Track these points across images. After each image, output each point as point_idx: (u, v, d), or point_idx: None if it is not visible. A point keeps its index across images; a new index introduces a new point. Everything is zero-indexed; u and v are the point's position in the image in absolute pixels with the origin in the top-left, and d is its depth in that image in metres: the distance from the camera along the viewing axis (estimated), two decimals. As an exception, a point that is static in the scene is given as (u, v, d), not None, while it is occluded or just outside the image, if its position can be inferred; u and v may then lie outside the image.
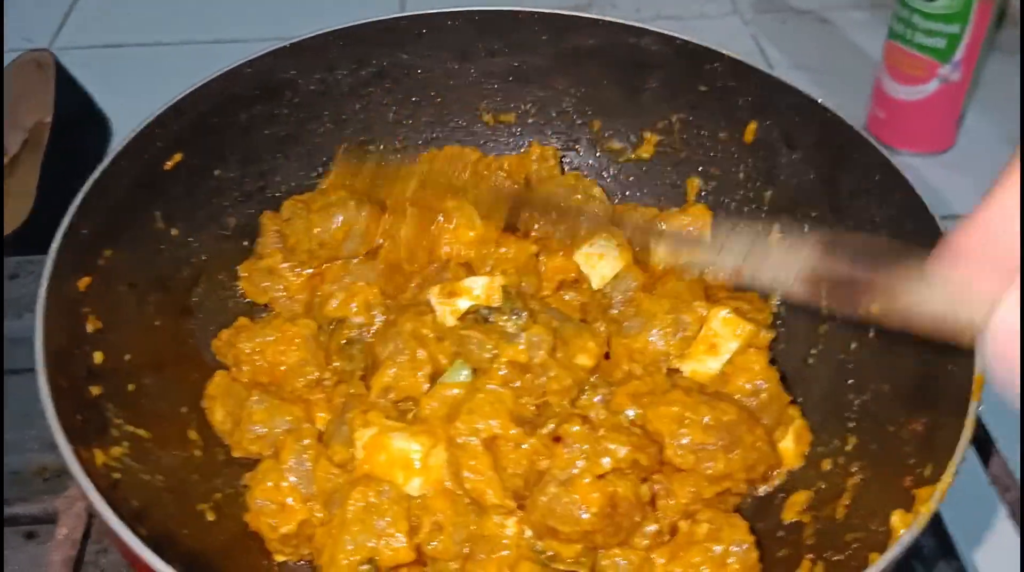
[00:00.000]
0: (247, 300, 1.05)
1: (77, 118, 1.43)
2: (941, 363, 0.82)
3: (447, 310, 0.95)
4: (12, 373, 1.05)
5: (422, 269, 1.01)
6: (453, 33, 1.11)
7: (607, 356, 0.96)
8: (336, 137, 1.12)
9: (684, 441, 0.85)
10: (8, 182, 1.38)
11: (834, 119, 0.98)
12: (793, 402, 0.96)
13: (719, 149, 1.09)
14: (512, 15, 1.10)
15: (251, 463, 0.91)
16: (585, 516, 0.79)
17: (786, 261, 0.72)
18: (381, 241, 1.02)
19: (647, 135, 1.13)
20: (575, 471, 0.81)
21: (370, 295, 0.98)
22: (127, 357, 0.90)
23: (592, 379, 0.91)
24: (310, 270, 1.02)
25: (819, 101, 0.99)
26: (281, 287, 1.02)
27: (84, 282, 0.87)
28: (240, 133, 1.04)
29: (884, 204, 0.93)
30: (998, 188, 0.58)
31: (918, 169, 0.92)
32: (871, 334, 0.94)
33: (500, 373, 0.87)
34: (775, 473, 0.93)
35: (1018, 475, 0.96)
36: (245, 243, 1.06)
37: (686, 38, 1.06)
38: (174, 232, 1.00)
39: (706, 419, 0.86)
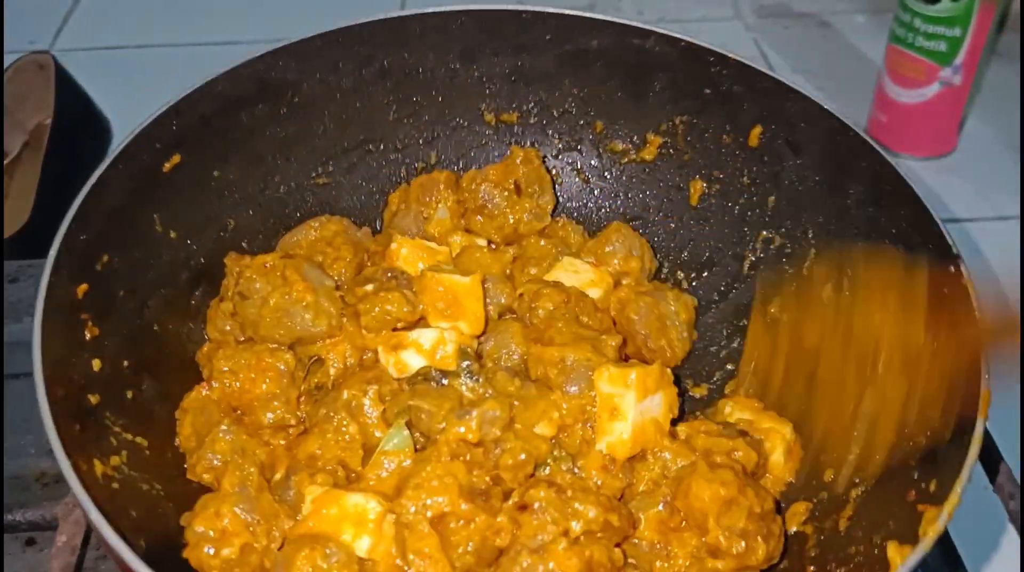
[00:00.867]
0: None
1: (77, 120, 1.42)
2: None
3: (391, 361, 0.92)
4: (11, 377, 1.05)
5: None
6: (457, 32, 1.10)
7: None
8: (338, 137, 1.11)
9: (735, 526, 0.82)
10: (8, 184, 1.37)
11: (840, 125, 0.97)
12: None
13: (723, 153, 1.08)
14: (517, 15, 1.09)
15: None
16: None
17: None
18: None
19: (650, 137, 1.12)
20: (546, 537, 0.77)
21: (345, 347, 0.95)
22: (126, 363, 0.89)
23: (554, 452, 0.87)
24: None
25: (825, 106, 0.98)
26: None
27: (82, 289, 0.86)
28: (240, 134, 1.03)
29: (889, 213, 0.93)
30: None
31: (919, 173, 0.91)
32: (875, 344, 0.93)
33: (449, 445, 0.83)
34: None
35: (1019, 477, 0.95)
36: (244, 245, 1.05)
37: (691, 40, 1.05)
38: (173, 235, 0.99)
39: (754, 507, 0.83)
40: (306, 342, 0.94)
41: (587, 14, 1.08)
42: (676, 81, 1.08)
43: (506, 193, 1.09)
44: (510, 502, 0.81)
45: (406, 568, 0.78)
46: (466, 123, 1.15)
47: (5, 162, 1.39)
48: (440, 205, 1.10)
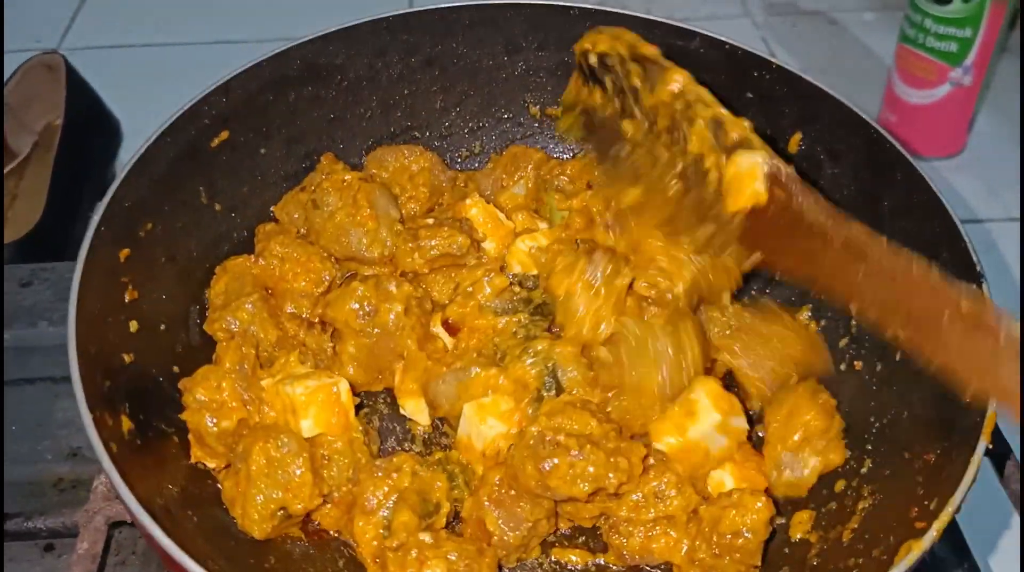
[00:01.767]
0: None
1: (87, 120, 1.41)
2: (959, 395, 0.80)
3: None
4: (27, 382, 1.05)
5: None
6: (504, 25, 1.11)
7: None
8: (383, 122, 1.14)
9: None
10: (18, 185, 1.37)
11: (877, 136, 0.96)
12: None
13: (763, 157, 1.08)
14: (564, 10, 1.10)
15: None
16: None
17: None
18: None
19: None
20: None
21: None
22: (162, 327, 0.94)
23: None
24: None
25: (863, 116, 0.97)
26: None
27: (124, 253, 0.90)
28: (287, 114, 1.07)
29: (921, 227, 0.92)
30: None
31: (928, 173, 0.90)
32: (897, 357, 0.92)
33: None
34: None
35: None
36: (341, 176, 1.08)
37: (735, 43, 1.05)
38: (217, 207, 1.03)
39: None
40: (355, 261, 1.01)
41: (634, 12, 1.08)
42: (719, 83, 1.07)
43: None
44: None
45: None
46: (510, 115, 1.17)
47: (14, 164, 1.37)
48: (521, 181, 1.13)
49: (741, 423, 0.90)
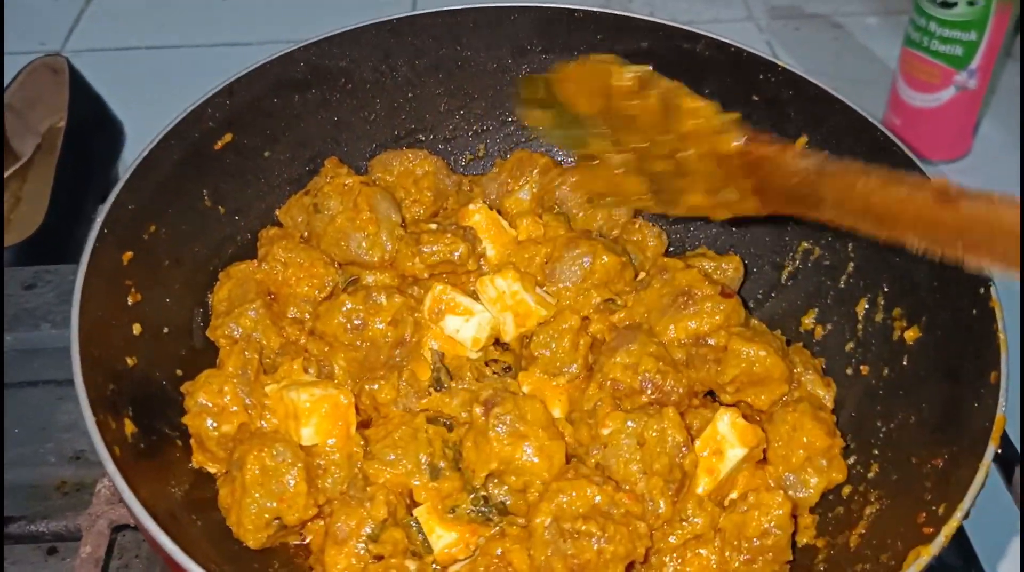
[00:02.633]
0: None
1: (90, 122, 1.41)
2: (967, 399, 0.80)
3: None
4: (30, 385, 1.05)
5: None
6: (509, 28, 1.11)
7: None
8: (388, 125, 1.13)
9: None
10: (21, 188, 1.37)
11: (883, 138, 0.95)
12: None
13: (768, 160, 1.07)
14: (569, 13, 1.10)
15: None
16: None
17: None
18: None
19: (696, 140, 1.12)
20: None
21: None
22: (166, 330, 0.93)
23: None
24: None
25: (869, 119, 0.97)
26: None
27: (127, 256, 0.90)
28: (292, 117, 1.06)
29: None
30: None
31: (933, 176, 0.90)
32: (904, 362, 0.92)
33: None
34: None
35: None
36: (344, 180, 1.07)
37: (740, 45, 1.05)
38: (221, 210, 1.02)
39: None
40: (356, 265, 1.01)
41: (638, 15, 1.08)
42: (725, 86, 1.07)
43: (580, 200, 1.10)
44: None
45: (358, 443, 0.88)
46: (515, 118, 1.17)
47: (17, 166, 1.37)
48: (526, 187, 1.12)
49: (761, 445, 0.90)
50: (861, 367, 0.98)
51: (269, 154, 1.06)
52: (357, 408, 0.90)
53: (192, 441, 0.88)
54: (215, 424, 0.87)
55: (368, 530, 0.83)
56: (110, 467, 0.72)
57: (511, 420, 0.84)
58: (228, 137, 1.01)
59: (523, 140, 1.18)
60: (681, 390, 0.92)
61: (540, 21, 1.11)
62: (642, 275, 1.04)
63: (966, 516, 0.71)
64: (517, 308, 0.97)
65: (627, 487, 0.84)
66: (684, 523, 0.85)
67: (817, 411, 0.93)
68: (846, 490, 0.91)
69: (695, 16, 1.11)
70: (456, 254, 0.99)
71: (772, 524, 0.83)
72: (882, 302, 0.96)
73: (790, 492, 0.89)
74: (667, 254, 1.10)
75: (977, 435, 0.75)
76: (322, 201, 1.02)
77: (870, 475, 0.90)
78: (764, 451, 0.91)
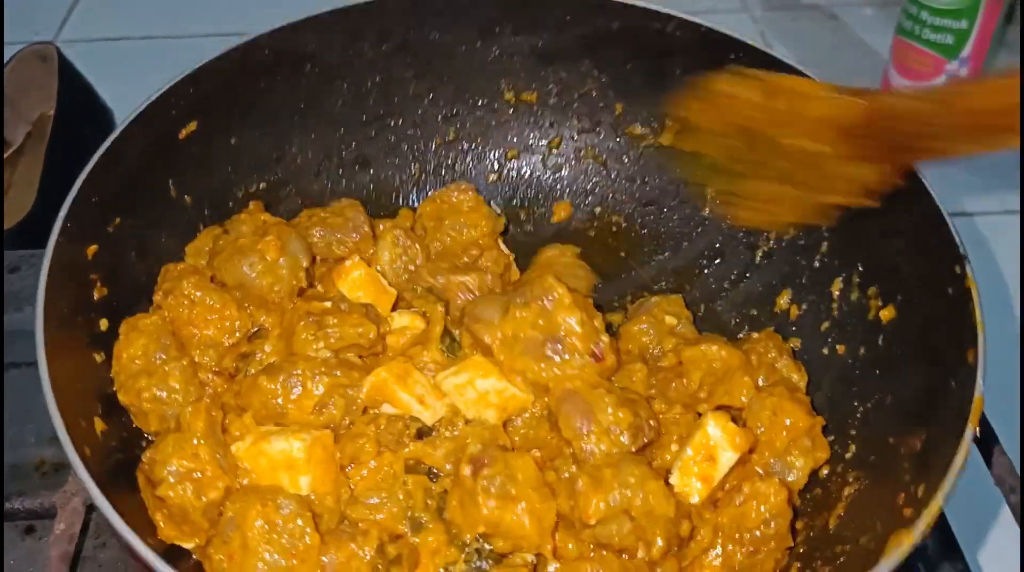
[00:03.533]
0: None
1: (80, 110, 1.40)
2: (944, 378, 0.80)
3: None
4: (12, 366, 1.05)
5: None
6: (478, 8, 1.09)
7: None
8: (356, 109, 1.11)
9: None
10: (11, 175, 1.36)
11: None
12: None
13: (741, 141, 1.07)
14: (539, -7, 1.08)
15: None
16: None
17: None
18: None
19: (669, 122, 1.11)
20: None
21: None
22: (133, 325, 0.91)
23: None
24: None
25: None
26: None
27: (92, 250, 0.87)
28: (258, 103, 1.04)
29: (904, 209, 0.91)
30: None
31: (924, 166, 0.90)
32: (880, 341, 0.92)
33: None
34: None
35: (1019, 471, 0.94)
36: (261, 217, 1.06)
37: (711, 26, 1.04)
38: (188, 200, 1.00)
39: None
40: (247, 291, 0.93)
41: (611, -3, 1.07)
42: (695, 67, 1.05)
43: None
44: None
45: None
46: (485, 101, 1.15)
47: (8, 153, 1.37)
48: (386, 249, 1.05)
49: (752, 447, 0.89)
50: (837, 346, 0.98)
51: (236, 141, 1.04)
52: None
53: (159, 515, 0.79)
54: (198, 493, 0.78)
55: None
56: (82, 473, 0.70)
57: (501, 481, 0.80)
58: (193, 125, 0.98)
59: (493, 124, 1.16)
60: (658, 419, 0.90)
61: (509, 2, 1.09)
62: None
63: (946, 499, 0.71)
64: (504, 404, 0.90)
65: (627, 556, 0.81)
66: (691, 543, 0.84)
67: (794, 392, 0.93)
68: (824, 471, 0.91)
69: (690, 6, 1.11)
70: (360, 334, 0.90)
71: (770, 513, 0.83)
72: (857, 281, 0.96)
73: (778, 479, 0.88)
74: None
75: (955, 416, 0.75)
76: (233, 226, 0.97)
77: (847, 455, 0.90)
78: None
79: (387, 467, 0.84)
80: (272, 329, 0.93)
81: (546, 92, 1.14)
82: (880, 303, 0.93)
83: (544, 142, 1.17)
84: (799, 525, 0.88)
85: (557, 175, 1.17)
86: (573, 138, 1.16)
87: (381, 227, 1.06)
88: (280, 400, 0.85)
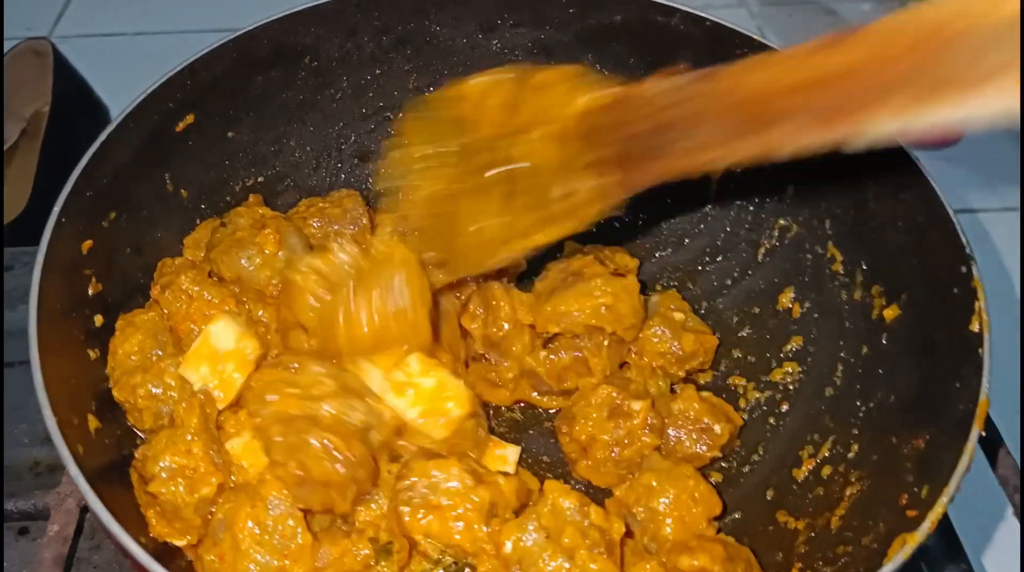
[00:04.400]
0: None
1: (75, 107, 1.40)
2: (947, 379, 0.79)
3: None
4: (5, 366, 1.03)
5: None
6: (479, 2, 1.08)
7: None
8: (355, 103, 1.10)
9: None
10: (6, 171, 1.35)
11: (862, 115, 0.94)
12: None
13: (744, 136, 1.06)
14: (540, -14, 1.07)
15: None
16: None
17: None
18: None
19: (673, 117, 1.10)
20: None
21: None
22: (128, 320, 0.90)
23: None
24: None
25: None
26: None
27: (87, 245, 0.86)
28: (256, 96, 1.03)
29: (907, 208, 0.90)
30: None
31: (924, 163, 0.89)
32: (884, 340, 0.91)
33: None
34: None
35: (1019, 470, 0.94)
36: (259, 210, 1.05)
37: (717, 19, 1.02)
38: (184, 194, 0.99)
39: None
40: (245, 285, 0.93)
41: (611, -11, 1.05)
42: (700, 61, 1.04)
43: None
44: None
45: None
46: (485, 95, 1.14)
47: (3, 149, 1.36)
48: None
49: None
50: (840, 345, 0.96)
51: (233, 135, 1.03)
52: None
53: (151, 512, 0.78)
54: (190, 489, 0.78)
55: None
56: (72, 469, 0.69)
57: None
58: (190, 118, 0.97)
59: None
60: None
61: (510, -6, 1.08)
62: None
63: (951, 500, 0.70)
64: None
65: None
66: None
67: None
68: (826, 470, 0.90)
69: (688, 0, 1.10)
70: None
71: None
72: (861, 280, 0.95)
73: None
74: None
75: (960, 417, 0.74)
76: (231, 218, 0.97)
77: (850, 455, 0.89)
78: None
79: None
80: (270, 323, 0.92)
81: (547, 86, 1.13)
82: (884, 302, 0.92)
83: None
84: (800, 525, 0.88)
85: (558, 170, 1.16)
86: (574, 133, 1.15)
87: (379, 219, 1.05)
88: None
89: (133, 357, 0.86)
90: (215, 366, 0.83)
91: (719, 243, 1.09)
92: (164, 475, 0.77)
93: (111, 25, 1.73)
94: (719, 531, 0.89)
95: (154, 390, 0.84)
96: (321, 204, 1.04)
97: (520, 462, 0.94)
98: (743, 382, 1.02)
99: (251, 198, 1.04)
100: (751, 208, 1.07)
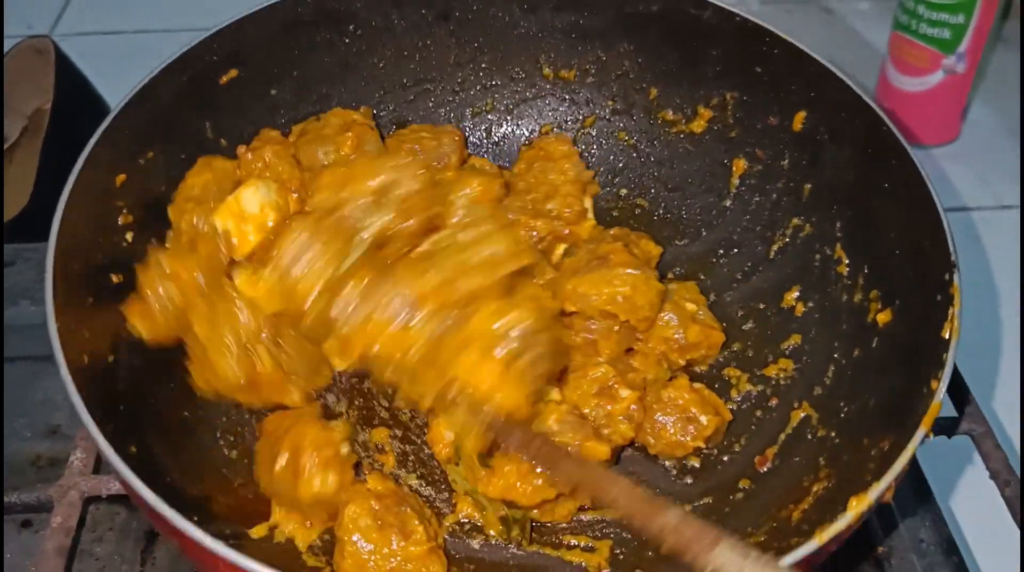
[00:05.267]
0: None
1: (76, 105, 1.38)
2: (920, 383, 0.79)
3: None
4: (7, 361, 1.04)
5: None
6: (522, -20, 1.11)
7: None
8: (396, 72, 1.15)
9: None
10: (7, 169, 1.35)
11: (877, 120, 0.94)
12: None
13: (768, 134, 1.07)
14: (582, -31, 1.10)
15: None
16: None
17: None
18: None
19: (701, 110, 1.11)
20: None
21: None
22: (156, 253, 0.96)
23: None
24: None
25: (865, 99, 0.95)
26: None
27: (120, 178, 0.93)
28: (299, 57, 1.08)
29: (909, 221, 0.90)
30: None
31: (922, 161, 0.89)
32: (874, 344, 0.91)
33: None
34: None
35: (1018, 469, 0.93)
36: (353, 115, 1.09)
37: (747, 16, 1.04)
38: (224, 142, 1.05)
39: None
40: (314, 174, 1.00)
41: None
42: (729, 55, 1.07)
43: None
44: None
45: None
46: (524, 75, 1.17)
47: (4, 147, 1.36)
48: None
49: None
50: (835, 347, 0.97)
51: (276, 92, 1.09)
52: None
53: (132, 298, 0.88)
54: (167, 287, 0.88)
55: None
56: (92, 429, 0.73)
57: None
58: (233, 72, 1.03)
59: (530, 98, 1.18)
60: None
61: (554, -24, 1.11)
62: None
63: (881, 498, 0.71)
64: None
65: None
66: None
67: None
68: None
69: None
70: None
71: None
72: (862, 283, 0.96)
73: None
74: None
75: (916, 420, 0.75)
76: (326, 117, 1.07)
77: (825, 454, 0.90)
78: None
79: None
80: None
81: (584, 71, 1.16)
82: (879, 306, 0.92)
83: (578, 120, 1.19)
84: (763, 517, 0.89)
85: (587, 154, 1.19)
86: (607, 118, 1.17)
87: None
88: None
89: (196, 189, 0.97)
90: (238, 224, 0.93)
91: (735, 237, 1.10)
92: (155, 269, 0.88)
93: (112, 23, 1.75)
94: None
95: (196, 221, 0.94)
96: (424, 133, 1.10)
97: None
98: (738, 373, 1.03)
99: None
100: (768, 205, 1.07)
